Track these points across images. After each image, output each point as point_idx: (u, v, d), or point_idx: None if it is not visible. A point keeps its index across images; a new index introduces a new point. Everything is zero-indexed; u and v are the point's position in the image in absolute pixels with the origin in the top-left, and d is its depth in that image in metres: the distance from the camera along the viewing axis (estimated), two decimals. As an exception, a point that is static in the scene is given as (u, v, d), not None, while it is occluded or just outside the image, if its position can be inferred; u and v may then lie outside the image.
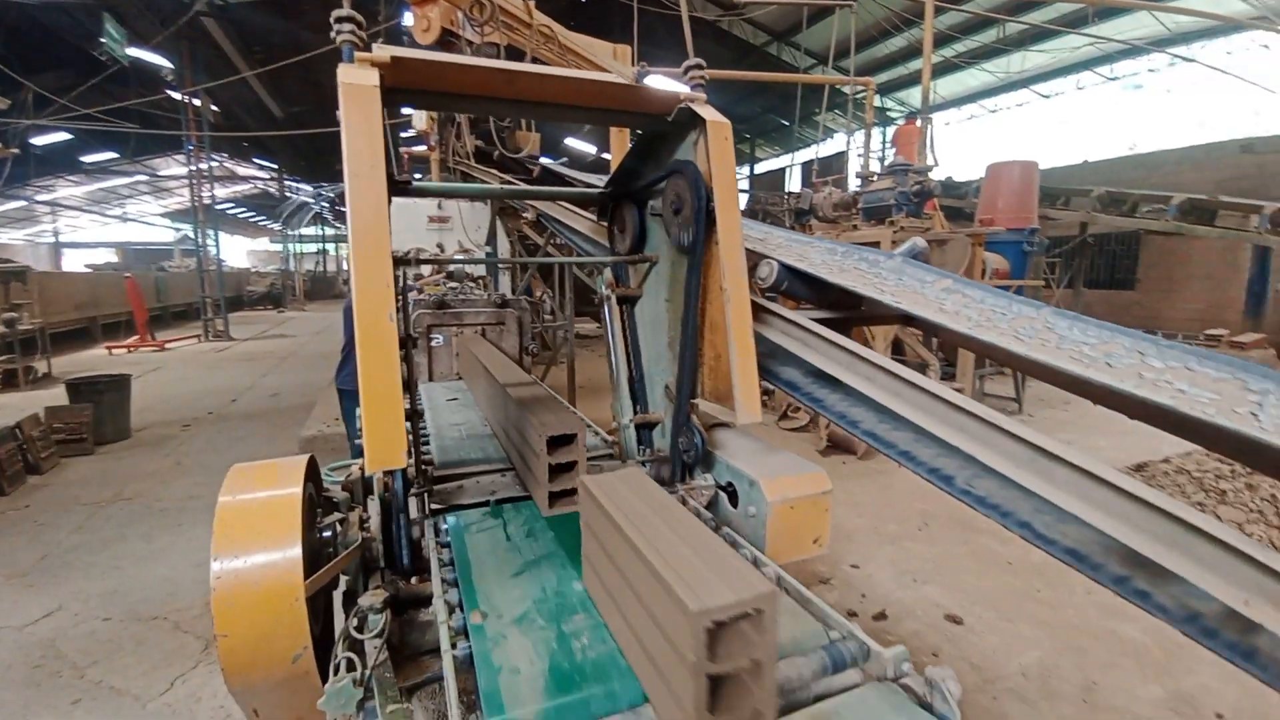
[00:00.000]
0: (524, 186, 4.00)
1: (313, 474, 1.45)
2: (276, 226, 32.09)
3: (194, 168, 14.10)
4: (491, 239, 6.66)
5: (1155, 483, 4.36)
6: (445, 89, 1.48)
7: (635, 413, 2.14)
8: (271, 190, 24.98)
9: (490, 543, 1.43)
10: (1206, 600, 0.88)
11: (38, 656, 2.67)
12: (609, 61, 5.94)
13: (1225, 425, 0.96)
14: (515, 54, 5.09)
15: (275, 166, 23.09)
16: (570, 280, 6.70)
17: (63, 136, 17.21)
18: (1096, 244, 10.37)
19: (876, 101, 22.34)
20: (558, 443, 1.45)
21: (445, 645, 1.04)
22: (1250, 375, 1.11)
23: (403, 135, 8.91)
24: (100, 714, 2.36)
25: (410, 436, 1.58)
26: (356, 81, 1.16)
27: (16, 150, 12.75)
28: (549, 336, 7.90)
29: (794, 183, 22.53)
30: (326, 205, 27.97)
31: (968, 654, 2.66)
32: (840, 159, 15.88)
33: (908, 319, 1.53)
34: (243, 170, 23.92)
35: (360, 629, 1.17)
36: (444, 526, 1.52)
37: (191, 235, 15.46)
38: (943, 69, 16.66)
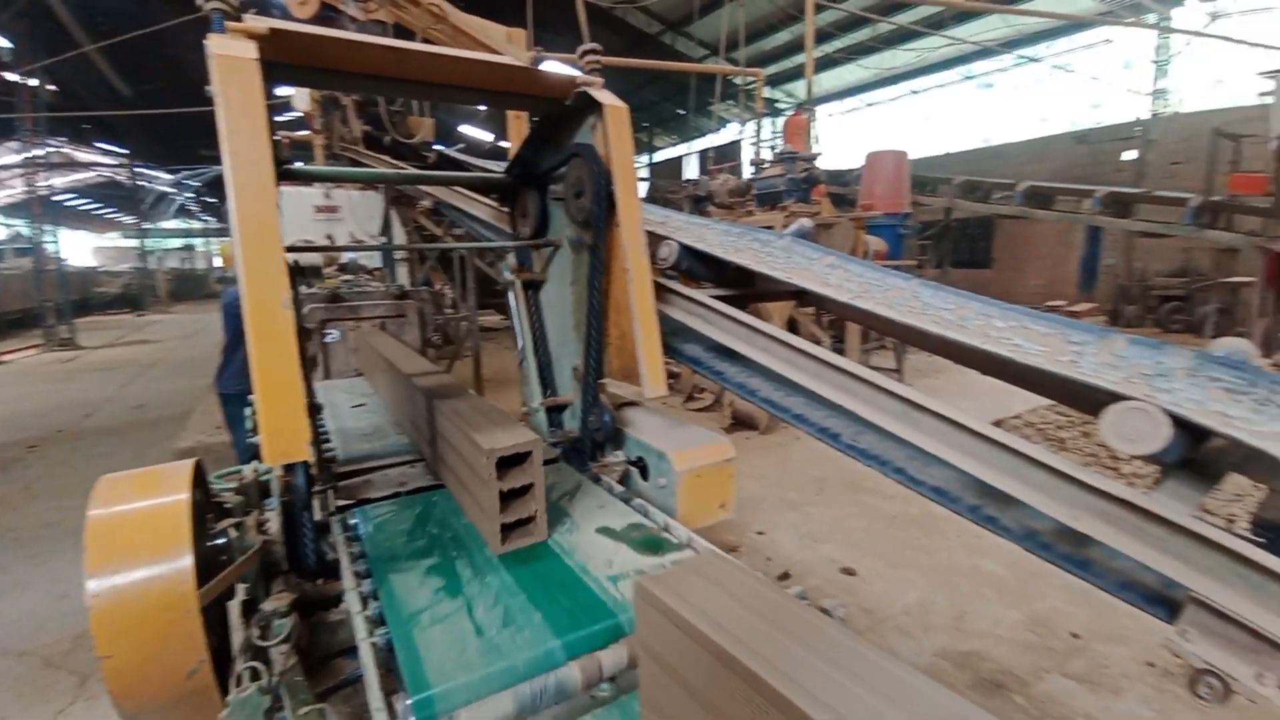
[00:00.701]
0: (421, 172, 3.85)
1: (200, 480, 1.36)
2: (130, 220, 28.60)
3: (28, 155, 12.28)
4: (386, 229, 6.34)
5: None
6: (330, 65, 1.41)
7: (544, 396, 2.16)
8: (121, 179, 22.20)
9: (403, 532, 1.41)
10: (1042, 519, 1.05)
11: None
12: (503, 45, 5.81)
13: (1052, 370, 1.14)
14: (403, 34, 4.86)
15: (125, 151, 20.54)
16: (472, 271, 6.53)
17: None
18: (959, 227, 11.46)
19: (767, 92, 23.25)
20: (509, 463, 1.26)
21: (362, 635, 1.03)
22: (1071, 330, 1.31)
23: (277, 120, 8.24)
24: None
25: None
26: (232, 54, 1.09)
27: None
28: (452, 329, 7.66)
29: (692, 171, 23.04)
30: (193, 195, 25.28)
31: (861, 601, 2.92)
32: (735, 147, 16.42)
33: (799, 293, 1.65)
34: (85, 156, 21.09)
35: (264, 635, 1.13)
36: (352, 522, 1.48)
37: (25, 232, 13.48)
38: (824, 64, 17.61)
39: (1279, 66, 9.58)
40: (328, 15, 4.50)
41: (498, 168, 3.26)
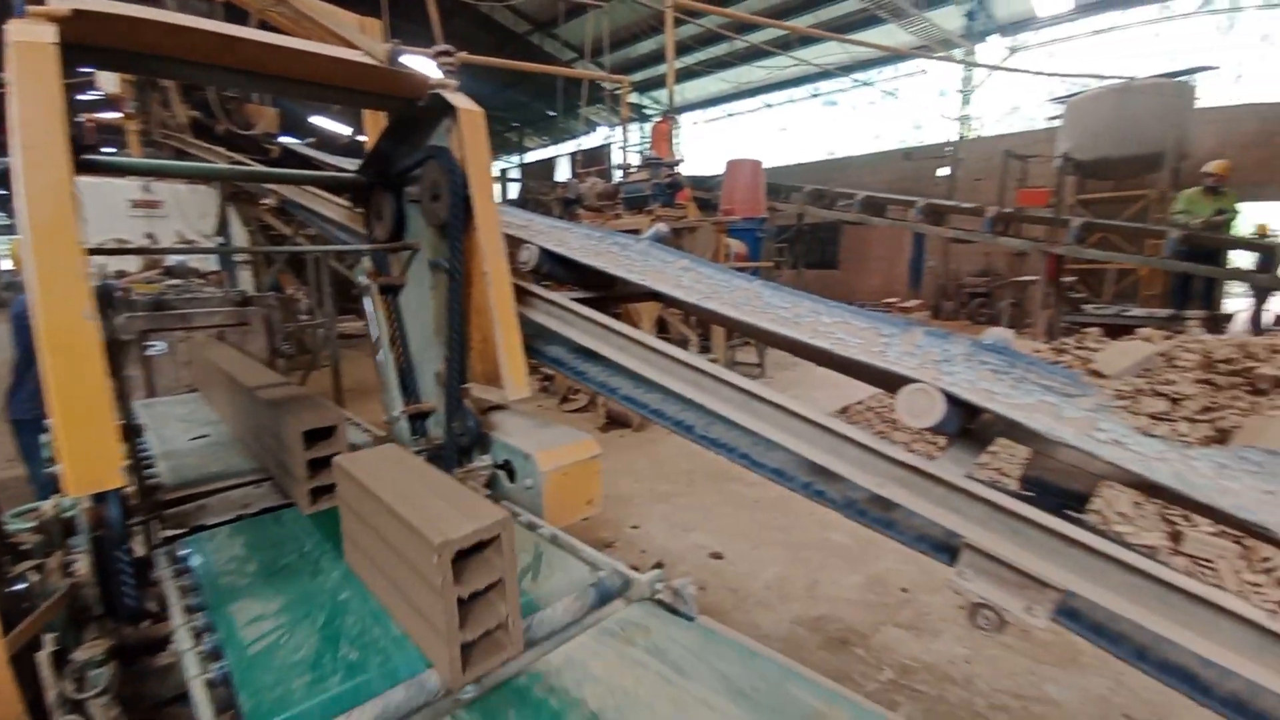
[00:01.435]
0: (261, 169, 3.53)
1: (-16, 517, 1.18)
2: None
3: None
4: (224, 229, 5.71)
5: (853, 419, 5.49)
6: (147, 50, 1.28)
7: (406, 403, 2.09)
8: None
9: (246, 558, 1.31)
10: (857, 489, 1.21)
11: None
12: (356, 35, 5.43)
13: (863, 360, 1.31)
14: (237, 14, 4.40)
15: None
16: (328, 274, 6.08)
17: None
18: (811, 231, 12.52)
19: (635, 98, 23.75)
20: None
21: (193, 673, 0.95)
22: (883, 324, 1.51)
23: (79, 98, 7.11)
24: None
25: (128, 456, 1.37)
26: (29, 39, 0.97)
27: None
28: (308, 338, 7.07)
29: (564, 172, 23.04)
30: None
31: (728, 582, 3.12)
32: (605, 150, 16.65)
33: (653, 294, 1.74)
34: None
35: (81, 688, 1.01)
36: (183, 553, 1.34)
37: None
38: (687, 75, 18.39)
39: (1063, 95, 11.46)
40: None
41: (353, 165, 3.08)
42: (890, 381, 1.28)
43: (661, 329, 6.53)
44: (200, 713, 0.86)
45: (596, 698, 0.92)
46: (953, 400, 1.13)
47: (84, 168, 1.38)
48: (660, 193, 5.70)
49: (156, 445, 2.05)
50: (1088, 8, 15.05)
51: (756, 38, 12.47)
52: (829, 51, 13.57)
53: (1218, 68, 17.67)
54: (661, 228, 2.17)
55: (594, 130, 22.66)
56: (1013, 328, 9.72)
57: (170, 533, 1.42)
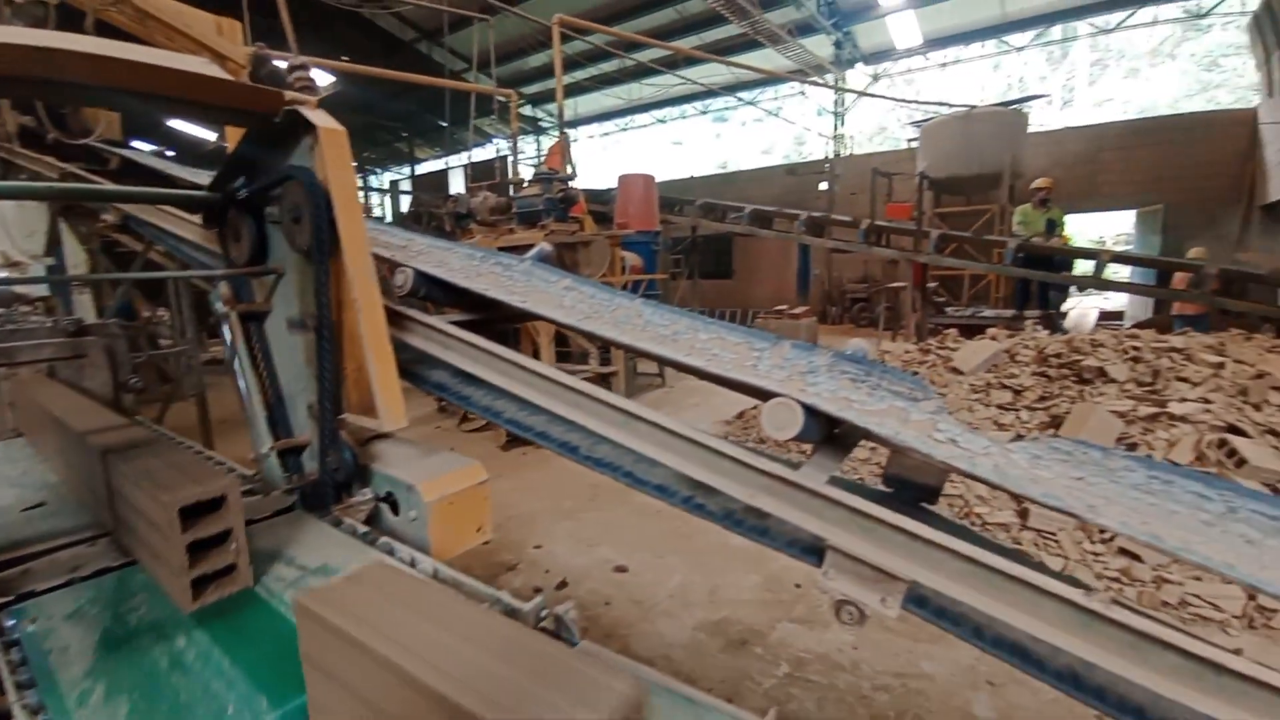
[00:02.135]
0: (92, 185, 3.15)
1: None
2: None
3: None
4: (55, 249, 5.03)
5: (748, 423, 5.72)
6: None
7: (277, 438, 1.94)
8: None
9: (82, 624, 1.17)
10: (733, 501, 1.27)
11: None
12: (212, 38, 5.00)
13: (733, 376, 1.38)
14: (72, 14, 3.91)
15: None
16: (189, 295, 5.52)
17: None
18: (705, 243, 12.99)
19: (529, 111, 23.56)
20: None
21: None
22: (755, 339, 1.59)
23: None
24: None
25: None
26: None
27: None
28: (170, 366, 6.38)
29: (458, 185, 22.43)
30: None
31: (632, 594, 3.14)
32: (499, 163, 16.39)
33: (532, 316, 1.73)
34: None
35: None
36: (9, 624, 1.18)
37: None
38: (578, 90, 18.56)
39: (920, 120, 12.64)
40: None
41: (209, 176, 2.82)
42: (759, 394, 1.36)
43: (562, 343, 6.50)
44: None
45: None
46: (812, 411, 1.21)
47: None
48: (553, 207, 5.69)
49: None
50: (935, 42, 16.77)
51: (644, 56, 12.82)
52: (715, 71, 14.19)
53: (1047, 96, 20.19)
54: (545, 247, 2.17)
55: (489, 142, 22.26)
56: (888, 330, 10.56)
57: (-13, 604, 1.23)
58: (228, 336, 1.95)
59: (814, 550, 1.20)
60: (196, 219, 2.39)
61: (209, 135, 17.97)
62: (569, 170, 6.78)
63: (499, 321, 1.99)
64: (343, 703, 0.74)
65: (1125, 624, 0.91)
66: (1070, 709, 2.28)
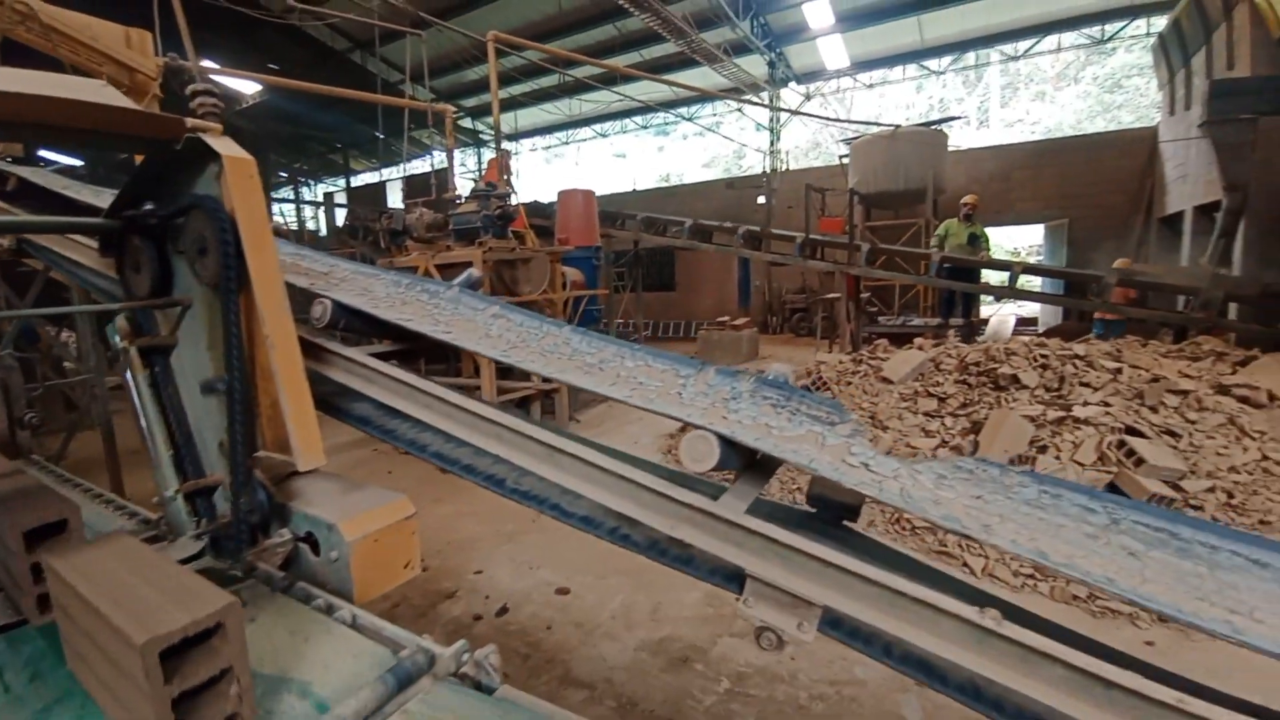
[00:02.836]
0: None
1: None
2: None
3: None
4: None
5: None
6: None
7: (186, 479, 1.83)
8: None
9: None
10: (655, 531, 1.28)
11: None
12: (120, 50, 4.74)
13: (656, 409, 1.40)
14: None
15: None
16: (92, 321, 5.15)
17: None
18: (648, 256, 13.12)
19: (469, 124, 23.24)
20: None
21: None
22: (681, 366, 1.61)
23: None
24: None
25: None
26: None
27: None
28: (78, 395, 5.92)
29: (397, 198, 21.89)
30: None
31: (574, 617, 3.11)
32: (436, 176, 16.10)
33: (456, 348, 1.71)
34: None
35: None
36: None
37: None
38: (515, 104, 18.49)
39: (850, 138, 13.18)
40: None
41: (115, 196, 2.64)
42: (680, 423, 1.38)
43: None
44: None
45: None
46: (730, 442, 1.24)
47: None
48: (490, 224, 5.62)
49: None
50: (861, 64, 17.61)
51: (582, 72, 12.91)
52: (655, 88, 14.41)
53: (965, 117, 21.45)
54: (474, 273, 2.15)
55: (428, 155, 21.83)
56: (825, 339, 10.85)
57: None
58: (128, 375, 1.84)
59: (736, 578, 1.23)
60: (94, 243, 2.25)
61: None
62: (507, 186, 6.72)
63: (425, 351, 1.95)
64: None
65: (1015, 639, 0.96)
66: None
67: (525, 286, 5.95)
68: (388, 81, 15.75)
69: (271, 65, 16.18)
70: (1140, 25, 14.84)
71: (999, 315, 15.06)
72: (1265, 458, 3.62)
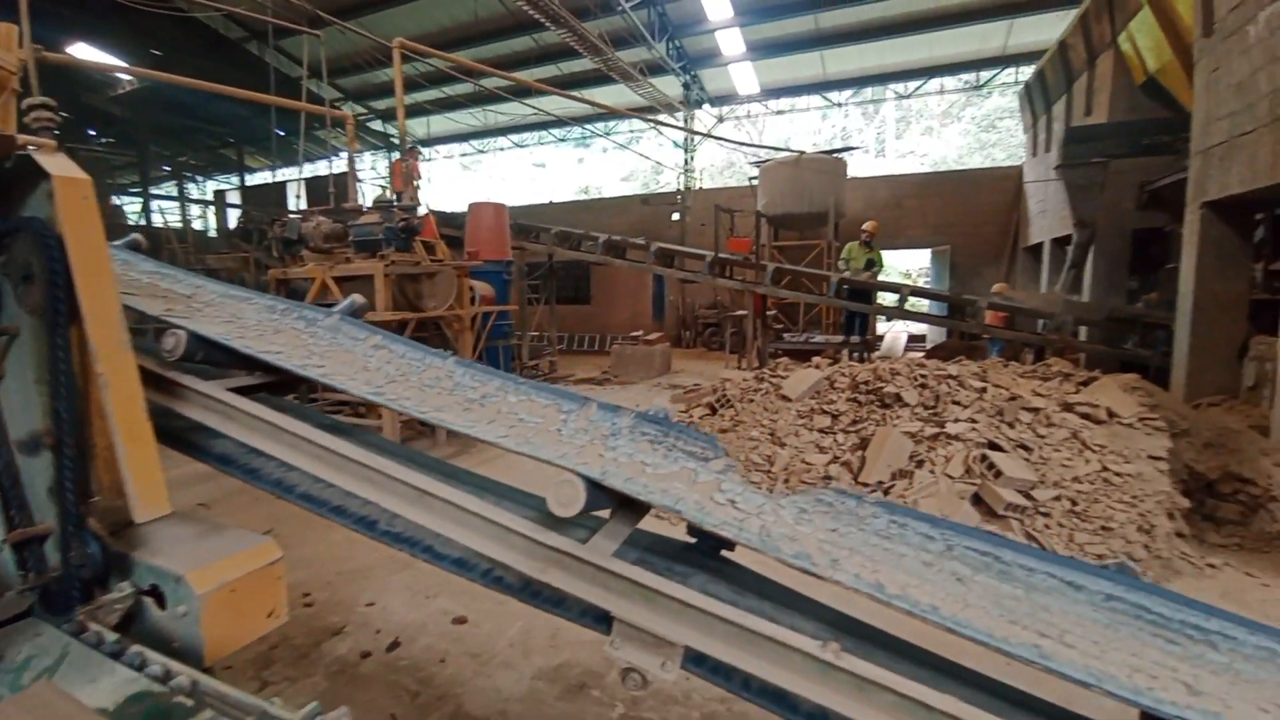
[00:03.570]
0: None
1: None
2: None
3: None
4: None
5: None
6: None
7: (12, 527, 1.64)
8: None
9: None
10: (515, 572, 1.28)
11: None
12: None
13: (528, 452, 1.39)
14: None
15: None
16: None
17: None
18: (564, 269, 13.09)
19: (380, 126, 22.29)
20: None
21: None
22: (564, 400, 1.62)
23: None
24: None
25: None
26: None
27: None
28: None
29: (301, 200, 20.62)
30: None
31: (470, 647, 3.03)
32: (339, 183, 15.33)
33: (328, 385, 1.63)
34: None
35: None
36: None
37: None
38: (424, 111, 17.97)
39: (760, 161, 13.74)
40: None
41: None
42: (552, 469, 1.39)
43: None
44: None
45: None
46: (596, 485, 1.26)
47: None
48: (393, 236, 5.41)
49: None
50: (771, 91, 18.53)
51: (495, 83, 12.76)
52: (572, 102, 14.46)
53: (863, 146, 22.94)
54: (358, 299, 2.07)
55: (334, 156, 20.72)
56: (735, 354, 11.22)
57: None
58: (-61, 408, 1.62)
59: (605, 620, 1.25)
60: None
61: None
62: (414, 195, 6.50)
63: (299, 382, 1.85)
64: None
65: (851, 670, 1.04)
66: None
67: (430, 302, 5.76)
68: (287, 76, 14.86)
69: (155, 51, 14.85)
70: (1011, 74, 16.53)
71: (893, 332, 16.16)
72: (1105, 469, 4.08)
